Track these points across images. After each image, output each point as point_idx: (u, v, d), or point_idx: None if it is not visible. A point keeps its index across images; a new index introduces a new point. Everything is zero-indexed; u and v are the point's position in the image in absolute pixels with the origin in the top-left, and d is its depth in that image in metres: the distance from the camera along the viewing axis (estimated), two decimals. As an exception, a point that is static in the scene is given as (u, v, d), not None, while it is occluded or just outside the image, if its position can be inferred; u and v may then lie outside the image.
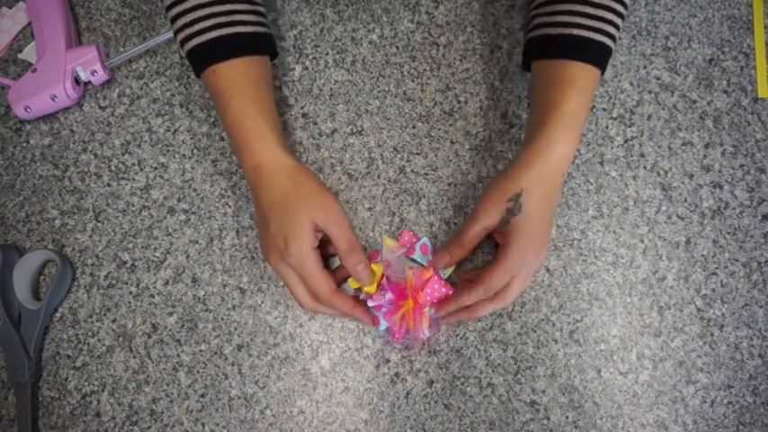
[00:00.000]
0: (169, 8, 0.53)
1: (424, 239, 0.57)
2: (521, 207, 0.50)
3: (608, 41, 0.52)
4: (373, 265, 0.55)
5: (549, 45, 0.53)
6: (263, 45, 0.55)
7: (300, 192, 0.51)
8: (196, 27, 0.52)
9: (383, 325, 0.56)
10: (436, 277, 0.55)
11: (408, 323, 0.54)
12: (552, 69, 0.53)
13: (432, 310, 0.56)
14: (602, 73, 0.53)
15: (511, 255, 0.50)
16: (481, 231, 0.52)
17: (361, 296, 0.56)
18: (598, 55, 0.52)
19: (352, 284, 0.55)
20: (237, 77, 0.53)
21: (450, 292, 0.55)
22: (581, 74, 0.52)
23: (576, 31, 0.51)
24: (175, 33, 0.54)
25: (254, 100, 0.53)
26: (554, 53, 0.53)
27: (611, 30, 0.52)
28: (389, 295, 0.54)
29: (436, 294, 0.55)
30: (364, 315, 0.54)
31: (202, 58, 0.52)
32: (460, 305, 0.53)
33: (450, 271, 0.57)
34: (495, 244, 0.58)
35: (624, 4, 0.52)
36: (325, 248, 0.56)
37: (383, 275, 0.55)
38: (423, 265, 0.56)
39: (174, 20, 0.53)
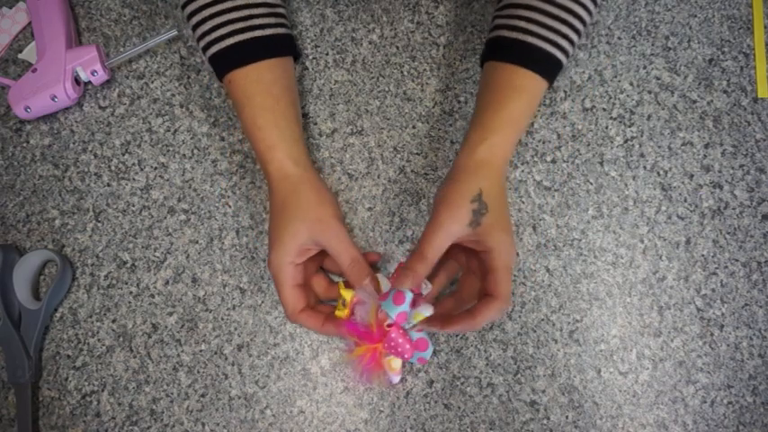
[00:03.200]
0: (190, 17, 0.54)
1: (403, 289, 0.49)
2: (486, 206, 0.49)
3: (560, 55, 0.52)
4: (343, 291, 0.53)
5: (504, 48, 0.53)
6: (282, 47, 0.55)
7: (297, 202, 0.51)
8: (215, 34, 0.52)
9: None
10: (394, 333, 0.49)
11: (367, 364, 0.50)
12: (503, 72, 0.52)
13: (396, 362, 0.52)
14: (550, 86, 0.53)
15: (501, 254, 0.48)
16: (447, 240, 0.49)
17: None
18: (549, 67, 0.52)
19: (338, 313, 0.53)
20: (249, 86, 0.53)
21: (409, 347, 0.50)
22: (529, 82, 0.52)
23: (531, 39, 0.51)
24: (197, 41, 0.54)
25: (263, 108, 0.53)
26: (506, 57, 0.52)
27: (566, 44, 0.52)
28: (356, 335, 0.50)
29: (398, 348, 0.50)
30: (335, 329, 0.52)
31: (220, 65, 0.53)
32: (476, 327, 0.49)
33: (419, 317, 0.51)
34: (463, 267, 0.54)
35: (583, 22, 0.52)
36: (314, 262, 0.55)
37: (353, 306, 0.52)
38: (390, 316, 0.49)
39: (195, 28, 0.54)
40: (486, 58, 0.55)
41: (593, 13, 0.53)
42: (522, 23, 0.51)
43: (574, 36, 0.52)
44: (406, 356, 0.50)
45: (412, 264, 0.49)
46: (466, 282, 0.53)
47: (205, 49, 0.54)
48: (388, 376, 0.53)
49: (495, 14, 0.55)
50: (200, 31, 0.53)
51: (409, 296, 0.49)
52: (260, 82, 0.53)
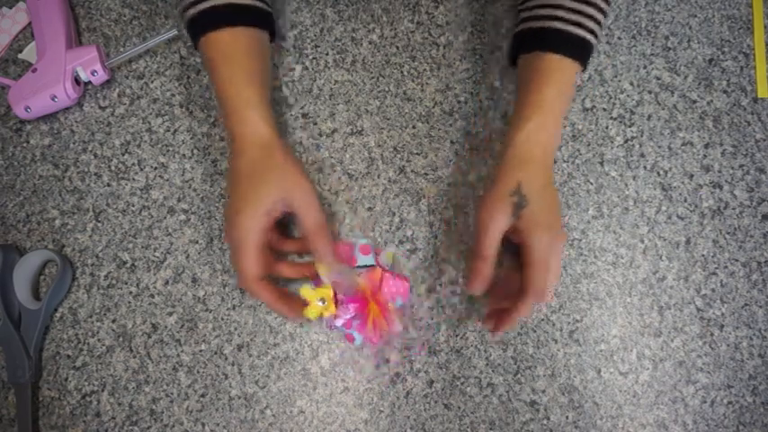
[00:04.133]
0: None
1: (360, 241, 0.56)
2: (526, 198, 0.49)
3: (588, 36, 0.52)
4: (322, 290, 0.54)
5: (531, 38, 0.53)
6: (257, 19, 0.54)
7: (269, 165, 0.51)
8: None
9: (359, 339, 0.55)
10: (387, 274, 0.55)
11: (381, 326, 0.54)
12: (533, 62, 0.53)
13: (399, 301, 0.56)
14: (584, 68, 0.53)
15: (538, 247, 0.49)
16: (496, 237, 0.50)
17: (325, 319, 0.56)
18: (577, 48, 0.52)
19: (311, 314, 0.54)
20: (227, 45, 0.52)
21: (407, 282, 0.56)
22: (557, 65, 0.52)
23: (556, 24, 0.52)
24: (176, 6, 0.54)
25: (242, 68, 0.52)
26: (534, 46, 0.53)
27: (592, 24, 0.52)
28: (352, 307, 0.54)
29: (394, 289, 0.55)
30: (286, 308, 0.52)
31: (197, 26, 0.53)
32: (517, 320, 0.51)
33: (390, 255, 0.57)
34: (511, 251, 0.54)
35: (607, 1, 0.53)
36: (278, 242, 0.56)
37: (336, 294, 0.55)
38: (371, 265, 0.56)
39: None
40: (518, 52, 0.55)
41: None
42: (547, 11, 0.52)
43: (599, 15, 0.52)
44: (408, 285, 0.55)
45: (475, 266, 0.51)
46: (510, 275, 0.54)
47: (184, 10, 0.53)
48: (396, 325, 0.55)
49: (519, 8, 0.56)
50: None
51: (371, 245, 0.57)
52: (237, 43, 0.53)
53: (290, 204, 0.50)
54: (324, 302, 0.54)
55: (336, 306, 0.55)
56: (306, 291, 0.54)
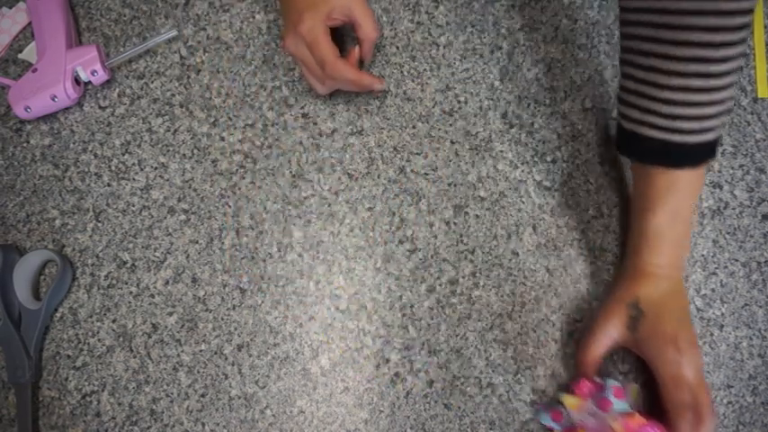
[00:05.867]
0: None
1: (611, 382, 0.51)
2: (642, 312, 0.51)
3: (688, 139, 0.46)
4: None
5: (628, 143, 0.51)
6: None
7: None
8: None
9: None
10: (648, 427, 0.49)
11: None
12: (649, 176, 0.51)
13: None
14: (699, 165, 0.49)
15: (662, 364, 0.49)
16: (605, 346, 0.52)
17: None
18: (703, 155, 0.48)
19: None
20: None
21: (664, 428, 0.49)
22: (675, 184, 0.49)
23: (648, 132, 0.48)
24: None
25: None
26: (631, 153, 0.52)
27: (691, 125, 0.46)
28: None
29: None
30: (370, 79, 0.56)
31: None
32: None
33: (634, 391, 0.53)
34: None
35: (714, 93, 0.45)
36: None
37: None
38: (627, 411, 0.50)
39: None
40: (622, 147, 0.53)
41: (714, 88, 0.45)
42: (637, 114, 0.49)
43: (699, 111, 0.46)
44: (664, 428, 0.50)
45: (578, 371, 0.54)
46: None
47: None
48: None
49: (618, 91, 0.52)
50: None
51: (623, 386, 0.52)
52: None
53: (350, 12, 0.54)
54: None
55: None
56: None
